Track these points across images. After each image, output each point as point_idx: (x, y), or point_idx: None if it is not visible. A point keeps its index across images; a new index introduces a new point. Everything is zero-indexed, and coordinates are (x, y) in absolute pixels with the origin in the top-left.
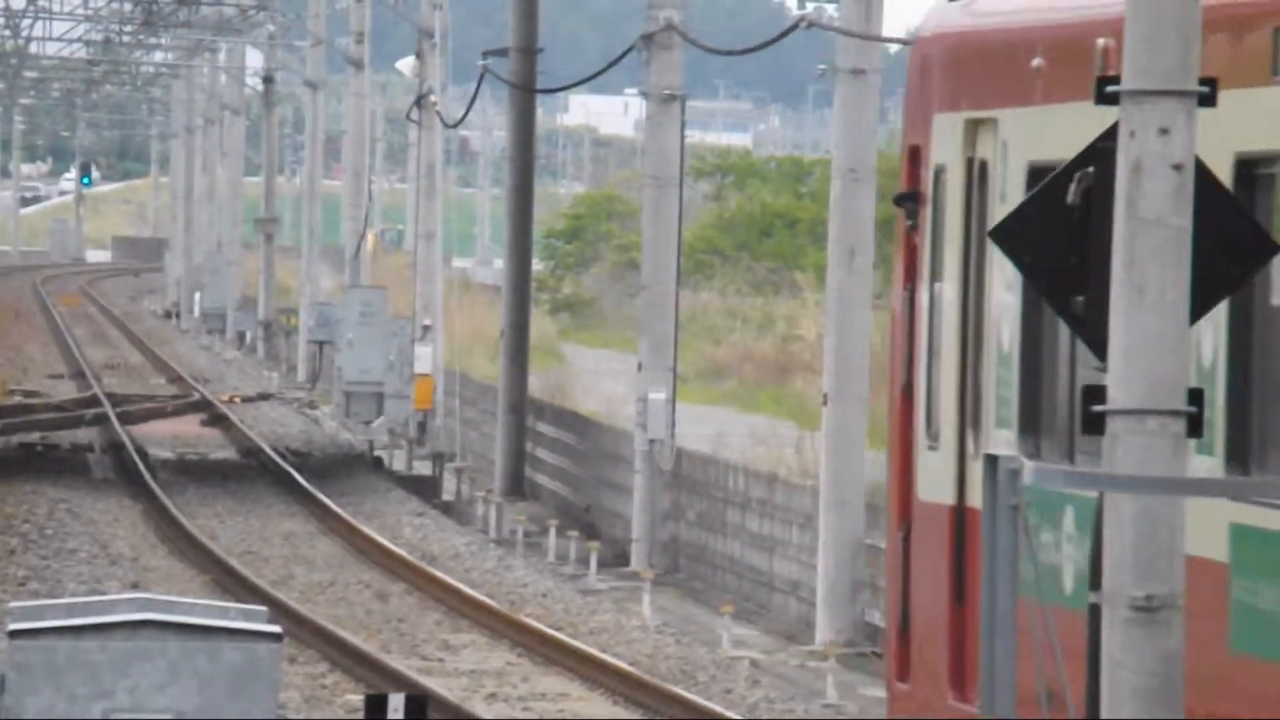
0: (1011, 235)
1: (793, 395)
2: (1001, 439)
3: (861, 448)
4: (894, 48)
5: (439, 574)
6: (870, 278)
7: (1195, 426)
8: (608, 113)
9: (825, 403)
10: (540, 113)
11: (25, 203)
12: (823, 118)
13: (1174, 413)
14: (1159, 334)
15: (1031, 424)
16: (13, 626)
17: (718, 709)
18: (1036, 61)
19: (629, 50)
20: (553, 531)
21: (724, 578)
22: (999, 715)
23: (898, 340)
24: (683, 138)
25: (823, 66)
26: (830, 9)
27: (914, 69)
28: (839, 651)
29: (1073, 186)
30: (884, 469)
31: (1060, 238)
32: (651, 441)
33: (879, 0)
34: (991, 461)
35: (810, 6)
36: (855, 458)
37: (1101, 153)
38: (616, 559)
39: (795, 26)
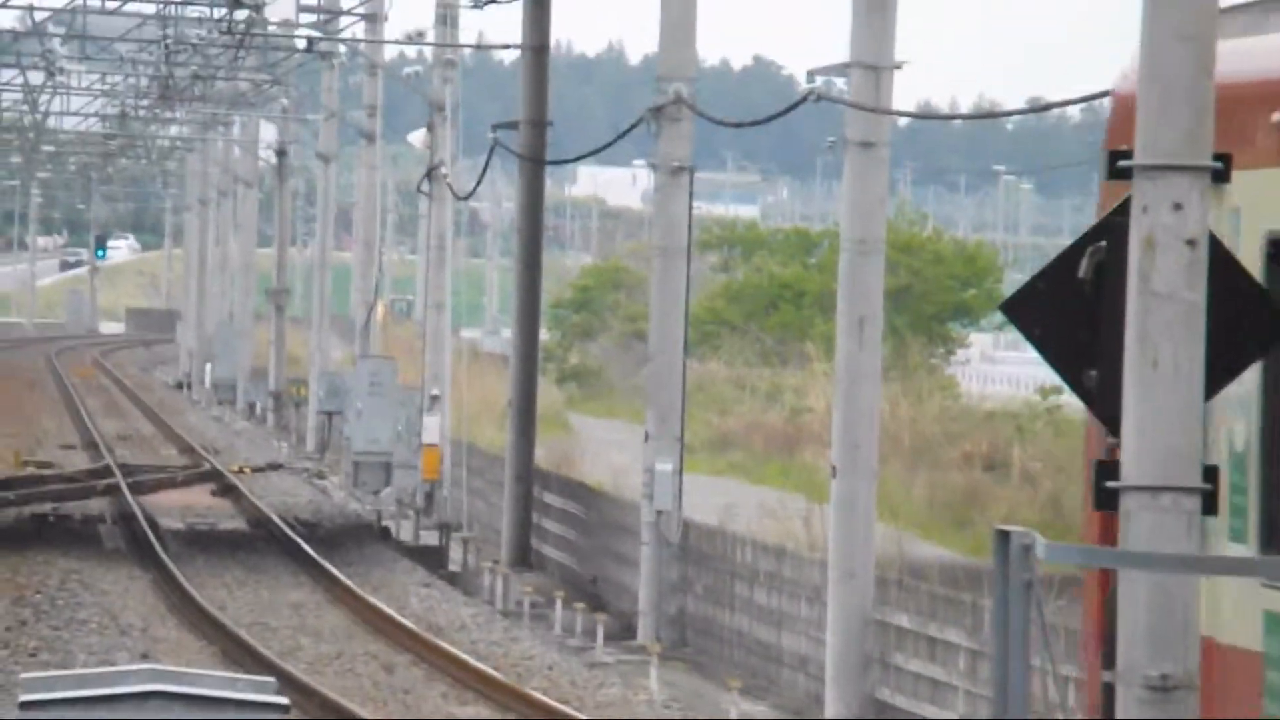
0: (1023, 309)
1: (801, 467)
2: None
3: (871, 520)
4: (903, 121)
5: (445, 645)
6: (880, 349)
7: (1210, 504)
8: (616, 184)
9: (834, 475)
10: (549, 184)
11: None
12: (831, 189)
13: (1188, 489)
14: (1172, 409)
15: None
16: (24, 698)
17: None
18: (1278, 117)
19: (638, 122)
20: (559, 603)
21: (732, 652)
22: None
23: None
24: (690, 208)
25: (831, 139)
26: (839, 82)
27: (1116, 124)
28: None
29: (1084, 260)
30: (894, 543)
31: (1072, 312)
32: (659, 513)
33: (888, 73)
34: (1003, 537)
35: (819, 80)
36: (864, 530)
37: (1114, 227)
38: (623, 632)
39: (804, 99)
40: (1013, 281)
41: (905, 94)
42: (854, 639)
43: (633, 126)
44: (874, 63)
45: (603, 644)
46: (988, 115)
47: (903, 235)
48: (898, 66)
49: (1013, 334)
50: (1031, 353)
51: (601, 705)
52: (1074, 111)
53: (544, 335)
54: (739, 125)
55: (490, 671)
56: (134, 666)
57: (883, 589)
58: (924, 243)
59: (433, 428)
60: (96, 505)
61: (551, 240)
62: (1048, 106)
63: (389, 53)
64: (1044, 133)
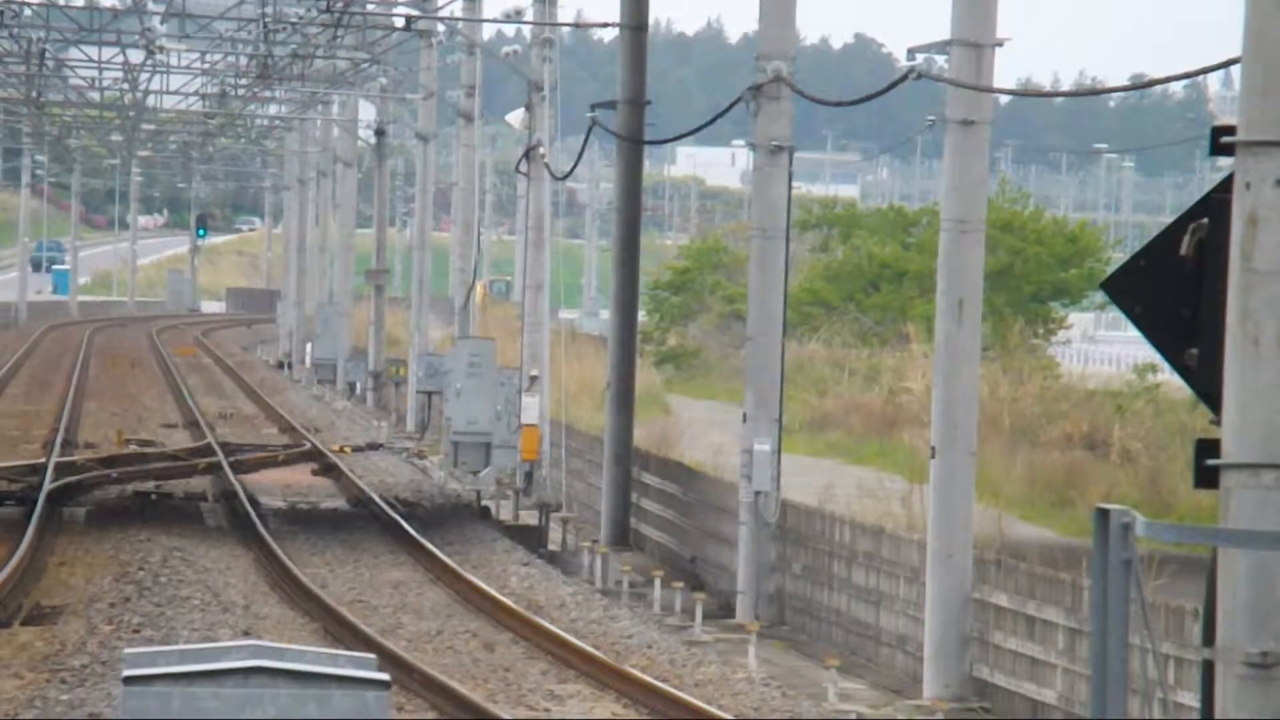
0: (1124, 286)
1: (899, 447)
2: None
3: (970, 500)
4: (1004, 98)
5: (545, 624)
6: (979, 330)
7: None
8: (715, 164)
9: (933, 455)
10: (648, 164)
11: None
12: (931, 168)
13: None
14: (1274, 387)
15: None
16: (128, 673)
17: None
18: None
19: (737, 101)
20: (658, 582)
21: (830, 631)
22: None
23: None
24: (790, 188)
25: (932, 118)
26: (940, 60)
27: None
28: (947, 707)
29: (1186, 238)
30: (993, 523)
31: (1173, 289)
32: (757, 493)
33: (990, 50)
34: (1103, 515)
35: (920, 57)
36: (963, 511)
37: (1216, 204)
38: (722, 611)
39: (905, 77)
40: (1114, 260)
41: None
42: (953, 618)
43: (732, 105)
44: (975, 40)
45: (701, 622)
46: (1089, 92)
47: (1003, 214)
48: (999, 44)
49: (1114, 313)
50: (1133, 332)
51: (700, 683)
52: (1176, 88)
53: (642, 317)
54: (839, 104)
55: (590, 649)
56: (236, 642)
57: (981, 568)
58: (1025, 222)
59: (531, 408)
60: (198, 483)
61: (650, 221)
62: (1150, 84)
63: (487, 31)
64: (1146, 110)
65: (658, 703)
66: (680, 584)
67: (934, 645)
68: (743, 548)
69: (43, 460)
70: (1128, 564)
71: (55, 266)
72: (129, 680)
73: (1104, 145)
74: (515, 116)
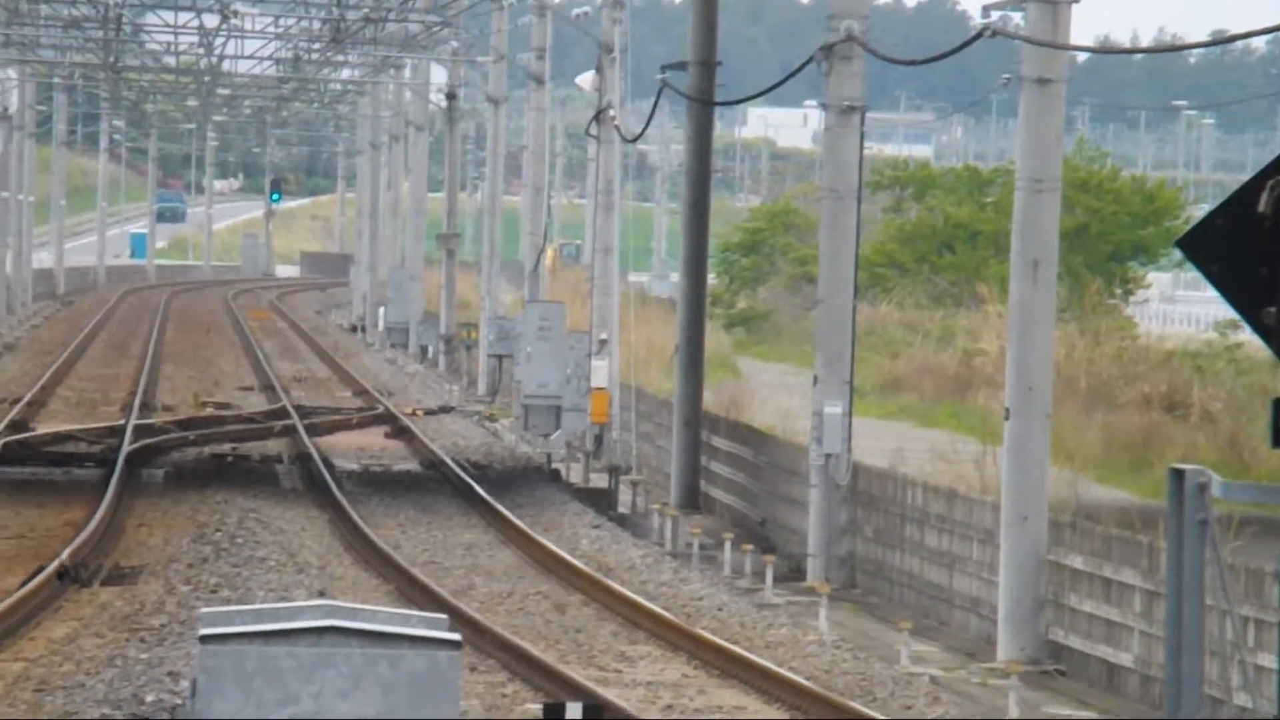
0: (1200, 245)
1: (974, 410)
2: None
3: (1045, 463)
4: (1081, 56)
5: (615, 586)
6: (1054, 290)
7: None
8: (786, 125)
9: (1007, 417)
10: (718, 126)
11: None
12: (1006, 128)
13: None
14: None
15: None
16: (204, 631)
17: None
18: None
19: (808, 62)
20: (728, 545)
21: (902, 593)
22: None
23: None
24: (861, 149)
25: (1007, 76)
26: (1016, 17)
27: None
28: (1022, 669)
29: (1264, 195)
30: (1068, 485)
31: (1251, 247)
32: (828, 456)
33: (1066, 7)
34: (1178, 476)
35: (995, 15)
36: (1038, 473)
37: None
38: (792, 573)
39: (979, 35)
40: (1193, 219)
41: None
42: (1027, 580)
43: (803, 66)
44: None
45: (772, 585)
46: (1168, 49)
47: (1080, 173)
48: (1076, 0)
49: (1193, 272)
50: (1212, 291)
51: (771, 645)
52: (1258, 44)
53: (712, 279)
54: (912, 63)
55: (660, 611)
56: (310, 602)
57: (1056, 531)
58: (1102, 180)
59: (601, 371)
60: (274, 446)
61: (720, 183)
62: (1231, 39)
63: None
64: (1227, 66)
65: (728, 664)
66: (750, 547)
67: (1008, 608)
68: (813, 511)
69: (121, 423)
70: (1203, 524)
71: (132, 230)
72: (205, 639)
73: (1183, 102)
74: (585, 79)
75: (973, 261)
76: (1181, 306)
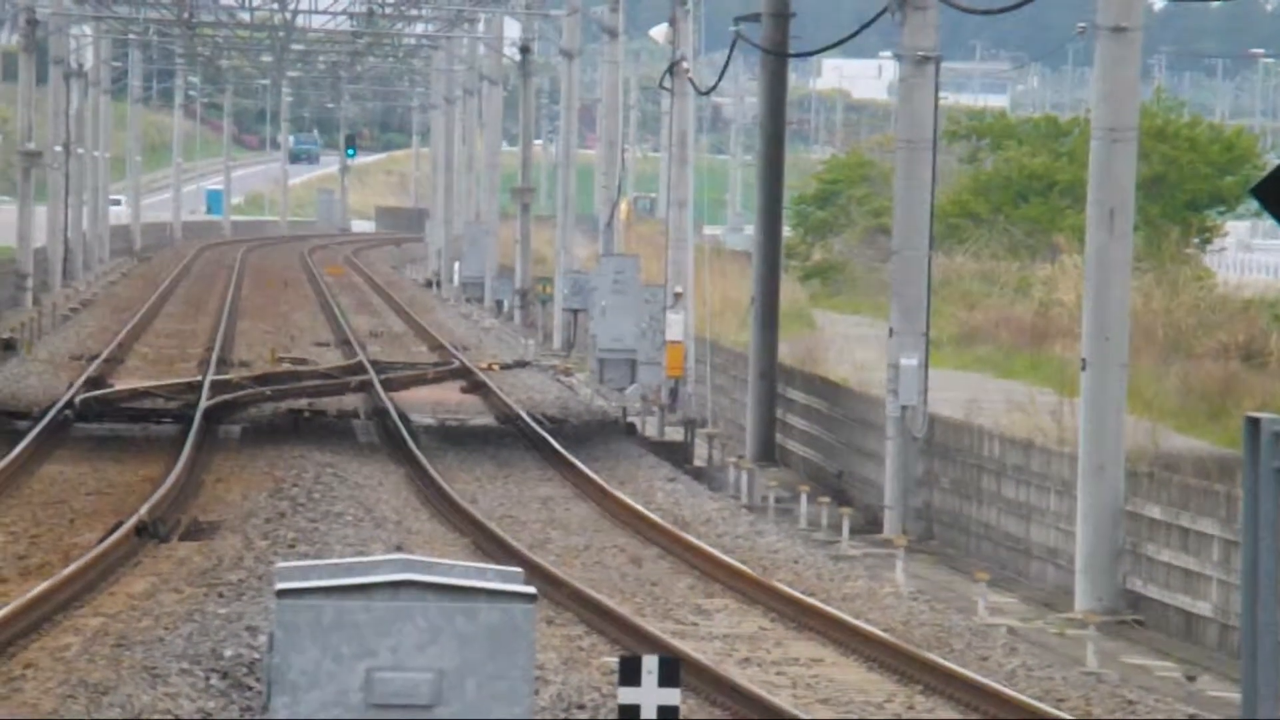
0: (1275, 192)
1: (1050, 360)
2: None
3: (1121, 413)
4: (1157, 4)
5: (691, 539)
6: (1131, 240)
7: None
8: (861, 76)
9: (1084, 368)
10: (793, 78)
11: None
12: (1083, 77)
13: None
14: None
15: None
16: (281, 586)
17: (975, 676)
18: None
19: (883, 12)
20: (804, 497)
21: (979, 545)
22: (1262, 689)
23: None
24: (936, 100)
25: (1083, 25)
26: None
27: None
28: (1099, 620)
29: None
30: (1146, 435)
31: None
32: (904, 408)
33: None
34: (1253, 425)
35: None
36: (1115, 424)
37: None
38: (869, 525)
39: None
40: (1270, 166)
41: None
42: (1105, 531)
43: (877, 17)
44: None
45: (848, 537)
46: None
47: (1156, 122)
48: None
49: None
50: None
51: (848, 597)
52: None
53: (787, 232)
54: (987, 13)
55: (737, 564)
56: (386, 557)
57: (1134, 481)
58: (1179, 129)
59: (676, 325)
60: (350, 401)
61: (795, 135)
62: None
63: None
64: None
65: (805, 617)
66: (826, 499)
67: (1086, 558)
68: (890, 462)
69: (199, 378)
70: (1279, 473)
71: (208, 186)
72: (282, 594)
73: (1260, 50)
74: (659, 31)
75: (1049, 212)
76: (1260, 255)
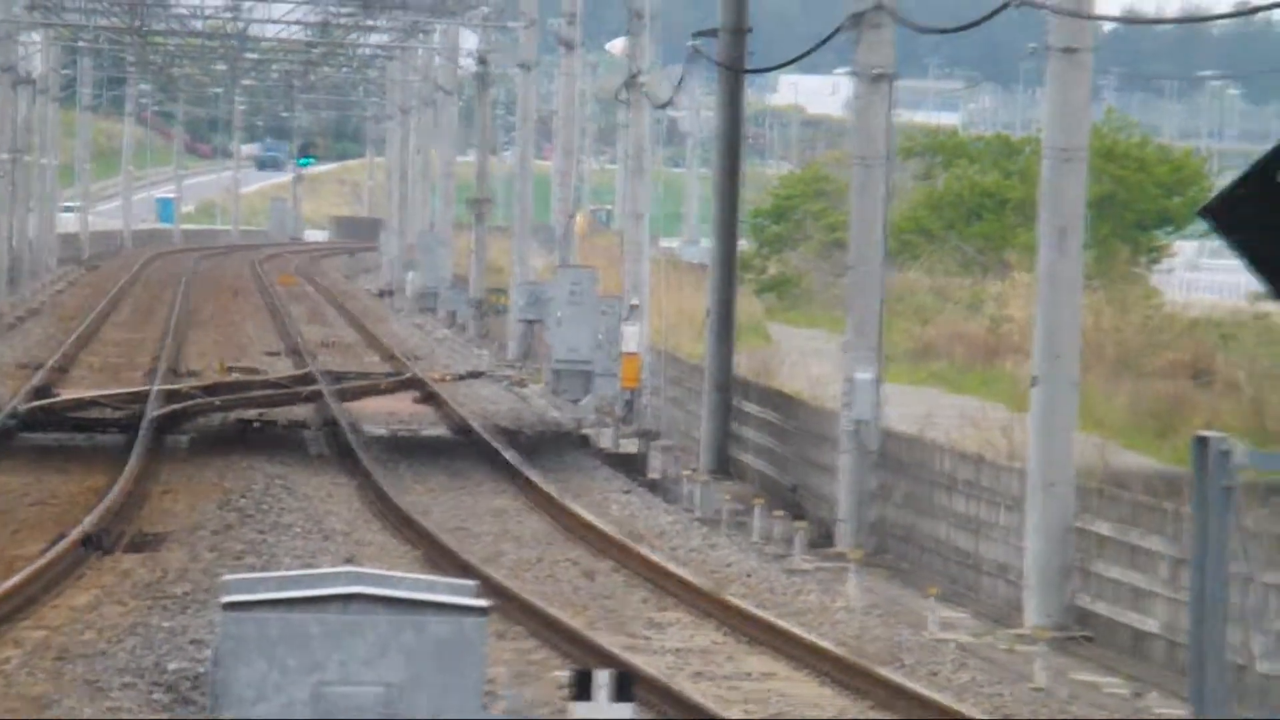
0: (1222, 214)
1: (1002, 376)
2: None
3: (1071, 430)
4: (1107, 26)
5: (645, 552)
6: (1081, 259)
7: None
8: (817, 92)
9: (1034, 384)
10: (749, 92)
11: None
12: (1035, 96)
13: None
14: None
15: None
16: (228, 599)
17: (924, 691)
18: None
19: (838, 30)
20: (758, 511)
21: (931, 559)
22: (1209, 708)
23: None
24: (890, 117)
25: (1034, 45)
26: None
27: None
28: (1049, 636)
29: None
30: (1095, 452)
31: (1273, 217)
32: (858, 422)
33: None
34: (1202, 443)
35: None
36: (1064, 440)
37: None
38: (822, 539)
39: (1006, 5)
40: (1218, 188)
41: None
42: (1054, 547)
43: (833, 34)
44: None
45: (801, 551)
46: (1194, 20)
47: (1106, 142)
48: None
49: (1217, 241)
50: (1236, 260)
51: (800, 611)
52: None
53: (743, 245)
54: (941, 31)
55: (690, 578)
56: (336, 569)
57: (1084, 497)
58: (1128, 149)
59: (632, 337)
60: (301, 411)
61: (751, 149)
62: (1255, 10)
63: None
64: (1253, 37)
65: (758, 631)
66: (780, 512)
67: (1035, 574)
68: (843, 476)
69: (146, 388)
70: (1228, 491)
71: (159, 195)
72: (229, 606)
73: (1210, 72)
74: (616, 45)
75: (1001, 229)
76: (1206, 275)
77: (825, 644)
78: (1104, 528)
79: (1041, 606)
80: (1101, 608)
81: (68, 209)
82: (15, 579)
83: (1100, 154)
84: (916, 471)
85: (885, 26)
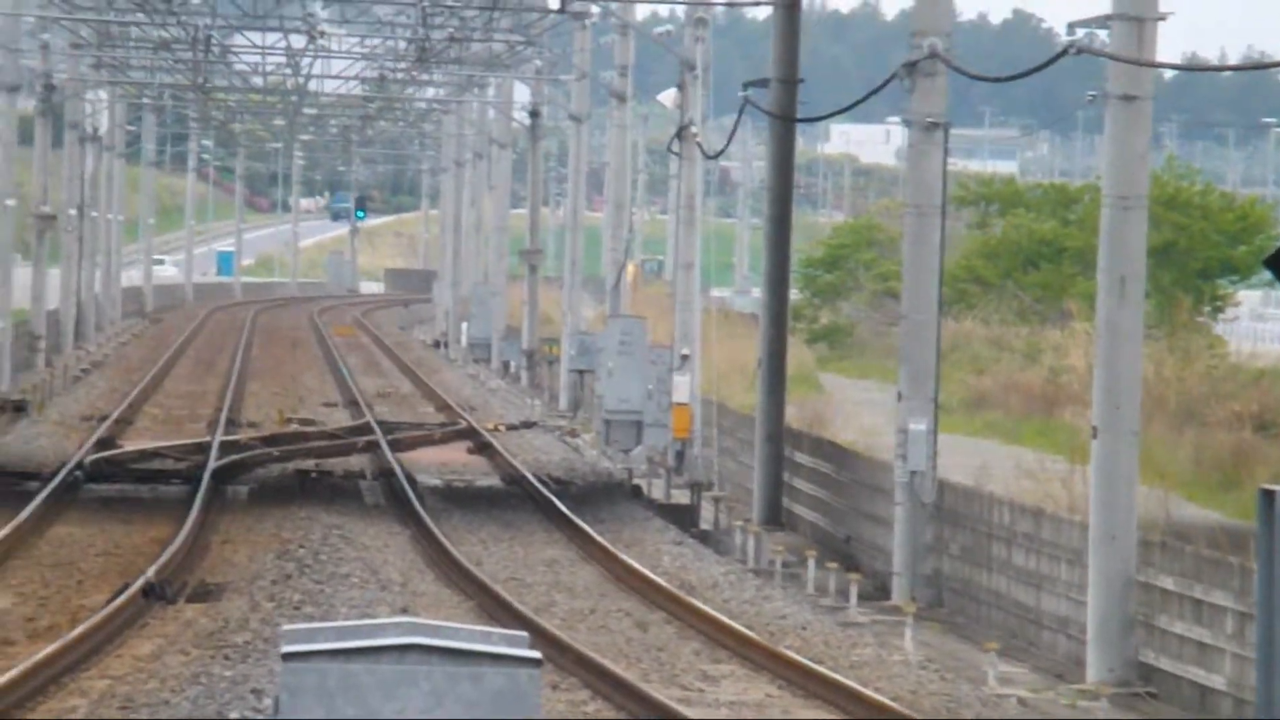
0: None
1: (1061, 427)
2: None
3: (1133, 482)
4: (1167, 73)
5: (698, 603)
6: (1142, 308)
7: None
8: (869, 141)
9: (1094, 435)
10: (800, 142)
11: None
12: (1093, 144)
13: None
14: None
15: None
16: (286, 649)
17: None
18: None
19: (891, 78)
20: (811, 563)
21: (989, 613)
22: None
23: None
24: (945, 165)
25: (1092, 93)
26: (1101, 34)
27: None
28: (1111, 691)
29: None
30: (1158, 504)
31: None
32: (912, 473)
33: (1151, 24)
34: (1267, 496)
35: (1080, 32)
36: (1126, 492)
37: None
38: (877, 592)
39: (1064, 52)
40: None
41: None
42: (1116, 601)
43: (886, 83)
44: (1136, 14)
45: (856, 604)
46: (1256, 66)
47: (1168, 190)
48: (1161, 18)
49: None
50: None
51: (856, 665)
52: None
53: (794, 295)
54: (996, 80)
55: (743, 630)
56: (392, 619)
57: (1146, 551)
58: (1190, 197)
59: (683, 387)
60: (357, 462)
61: (802, 198)
62: None
63: (641, 12)
64: None
65: (812, 684)
66: (834, 564)
67: (1097, 628)
68: (898, 528)
69: (207, 439)
70: None
71: (220, 248)
72: (287, 656)
73: (1272, 119)
74: (667, 96)
75: (1059, 278)
76: (1273, 325)
77: (881, 698)
78: (1167, 581)
79: (1104, 661)
80: (1165, 663)
81: (159, 261)
82: (80, 629)
83: (1161, 202)
84: (973, 524)
85: (939, 74)
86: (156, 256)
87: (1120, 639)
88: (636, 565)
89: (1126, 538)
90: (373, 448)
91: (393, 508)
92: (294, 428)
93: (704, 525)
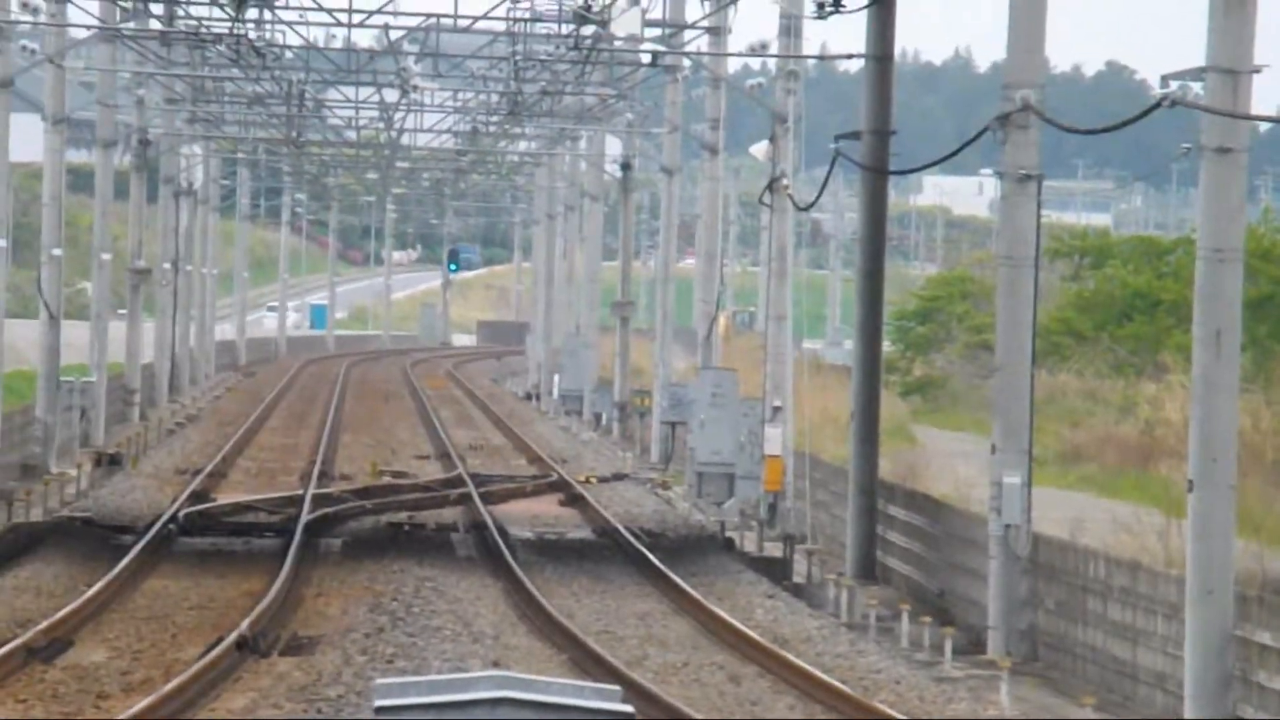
0: None
1: (1157, 480)
2: None
3: (1230, 536)
4: (1263, 126)
5: (791, 657)
6: (1238, 361)
7: None
8: (961, 193)
9: (1190, 489)
10: (893, 194)
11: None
12: (1187, 196)
13: None
14: None
15: None
16: (379, 703)
17: None
18: None
19: (984, 131)
20: (905, 616)
21: (1085, 668)
22: None
23: None
24: (1039, 217)
25: (1187, 145)
26: (1196, 87)
27: None
28: None
29: None
30: (1256, 559)
31: None
32: (1007, 526)
33: (1247, 77)
34: None
35: (1174, 84)
36: (1223, 547)
37: None
38: (972, 646)
39: (1158, 105)
40: None
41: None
42: (1214, 656)
43: (979, 135)
44: (1232, 66)
45: (951, 658)
46: None
47: (1264, 243)
48: (1257, 70)
49: None
50: None
51: None
52: None
53: (887, 347)
54: (1089, 132)
55: (837, 684)
56: (484, 673)
57: (1244, 605)
58: None
59: (775, 439)
60: (449, 514)
61: (895, 250)
62: None
63: (732, 65)
64: None
65: None
66: (928, 618)
67: (1195, 684)
68: (993, 582)
69: (300, 492)
70: None
71: (313, 301)
72: (380, 710)
73: None
74: (759, 148)
75: (1153, 331)
76: None
77: None
78: (1265, 637)
79: (1201, 716)
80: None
81: (272, 308)
82: (174, 682)
83: (1258, 255)
84: (1069, 578)
85: (1032, 127)
86: (271, 303)
87: (1218, 694)
88: (729, 618)
89: (1224, 592)
90: (465, 500)
91: (485, 560)
92: (386, 480)
93: (797, 578)
